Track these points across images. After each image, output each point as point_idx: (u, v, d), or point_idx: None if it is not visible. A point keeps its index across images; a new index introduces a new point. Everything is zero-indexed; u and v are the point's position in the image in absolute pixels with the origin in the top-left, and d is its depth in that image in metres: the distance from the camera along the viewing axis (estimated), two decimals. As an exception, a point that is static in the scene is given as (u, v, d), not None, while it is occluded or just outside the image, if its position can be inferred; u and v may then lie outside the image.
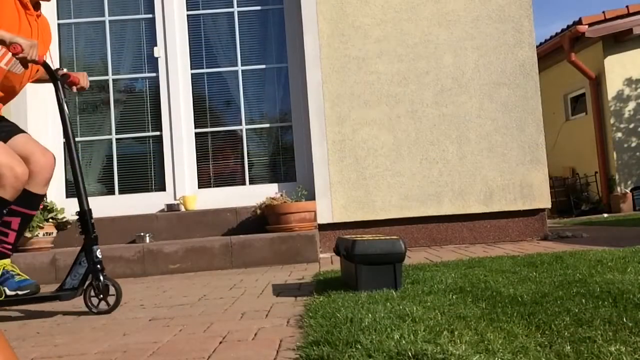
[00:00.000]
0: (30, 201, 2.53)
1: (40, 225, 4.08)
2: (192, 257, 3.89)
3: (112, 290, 2.44)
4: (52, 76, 2.56)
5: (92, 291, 2.43)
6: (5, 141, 2.46)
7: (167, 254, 3.90)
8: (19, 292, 2.44)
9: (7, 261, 2.50)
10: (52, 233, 4.20)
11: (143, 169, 4.92)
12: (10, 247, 2.52)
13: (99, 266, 2.42)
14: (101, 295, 2.42)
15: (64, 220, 4.26)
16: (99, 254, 2.44)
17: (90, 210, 2.49)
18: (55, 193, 4.74)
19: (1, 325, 2.28)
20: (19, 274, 2.49)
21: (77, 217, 2.50)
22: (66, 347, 1.79)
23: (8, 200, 2.36)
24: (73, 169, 2.53)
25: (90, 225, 2.46)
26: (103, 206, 4.71)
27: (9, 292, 2.43)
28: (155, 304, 2.57)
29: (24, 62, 2.30)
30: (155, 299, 2.71)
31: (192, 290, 2.95)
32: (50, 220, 4.17)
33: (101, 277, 2.42)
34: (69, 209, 4.42)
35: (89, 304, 2.43)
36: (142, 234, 4.27)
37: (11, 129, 2.58)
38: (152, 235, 4.31)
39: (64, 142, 4.88)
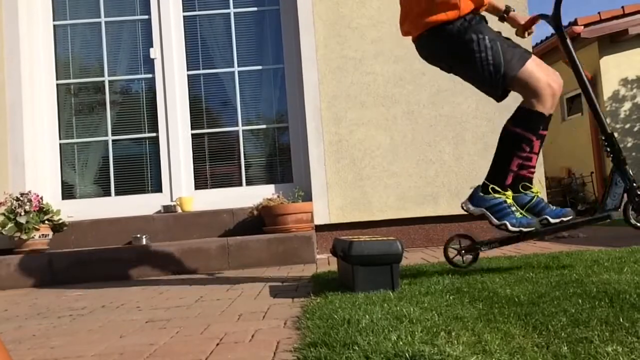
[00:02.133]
0: (547, 123, 2.62)
1: (36, 227, 4.07)
2: (189, 258, 3.88)
3: None
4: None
5: (632, 208, 2.55)
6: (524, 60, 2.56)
7: (163, 256, 3.90)
8: (564, 219, 2.60)
9: (536, 189, 2.65)
10: (48, 235, 4.18)
11: (139, 171, 4.91)
12: (534, 170, 2.65)
13: (635, 184, 2.53)
14: None
15: (60, 222, 4.25)
16: (631, 173, 2.56)
17: (613, 133, 2.60)
18: (51, 194, 4.72)
19: (-3, 328, 2.27)
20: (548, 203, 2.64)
21: (604, 139, 2.58)
22: (62, 349, 1.79)
23: (546, 116, 2.53)
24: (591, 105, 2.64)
25: (618, 147, 2.57)
26: (99, 208, 4.71)
27: (552, 220, 2.59)
28: (152, 305, 2.56)
29: None
30: (151, 301, 2.71)
31: (188, 291, 2.94)
32: (46, 222, 4.15)
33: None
34: (65, 210, 4.42)
35: (630, 219, 2.54)
36: (138, 235, 4.26)
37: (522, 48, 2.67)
38: (149, 237, 4.30)
39: (60, 144, 4.87)
